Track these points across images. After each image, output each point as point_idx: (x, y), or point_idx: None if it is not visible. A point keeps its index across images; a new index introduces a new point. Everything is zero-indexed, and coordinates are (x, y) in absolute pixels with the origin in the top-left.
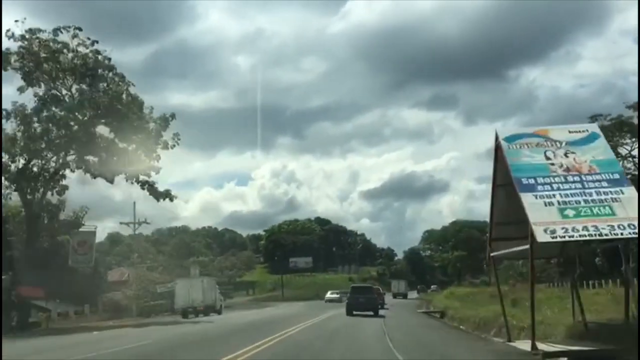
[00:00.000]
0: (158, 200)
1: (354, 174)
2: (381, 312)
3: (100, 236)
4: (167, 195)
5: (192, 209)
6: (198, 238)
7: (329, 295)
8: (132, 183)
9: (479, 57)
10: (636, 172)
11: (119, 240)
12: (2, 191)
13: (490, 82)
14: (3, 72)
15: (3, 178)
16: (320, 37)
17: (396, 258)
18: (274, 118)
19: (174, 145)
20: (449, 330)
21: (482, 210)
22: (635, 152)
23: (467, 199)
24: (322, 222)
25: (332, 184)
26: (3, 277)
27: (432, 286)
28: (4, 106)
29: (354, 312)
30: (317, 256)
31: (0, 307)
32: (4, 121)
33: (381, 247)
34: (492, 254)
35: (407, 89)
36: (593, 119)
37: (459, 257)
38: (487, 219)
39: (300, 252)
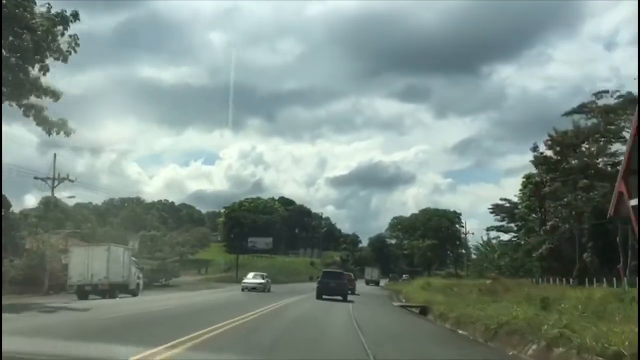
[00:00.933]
0: (49, 135)
1: (322, 160)
2: (351, 307)
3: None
4: (60, 127)
5: (155, 185)
6: (152, 211)
7: (248, 279)
8: (10, 105)
9: (454, 50)
10: None
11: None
12: None
13: (464, 77)
14: None
15: None
16: (296, 18)
17: (360, 245)
18: (245, 98)
19: (69, 53)
20: (453, 338)
21: (446, 204)
22: None
23: (432, 192)
24: (285, 202)
25: (300, 169)
26: None
27: (403, 275)
28: None
29: (324, 296)
30: (279, 238)
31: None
32: None
33: (346, 232)
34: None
35: (382, 78)
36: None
37: (430, 246)
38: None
39: (261, 232)
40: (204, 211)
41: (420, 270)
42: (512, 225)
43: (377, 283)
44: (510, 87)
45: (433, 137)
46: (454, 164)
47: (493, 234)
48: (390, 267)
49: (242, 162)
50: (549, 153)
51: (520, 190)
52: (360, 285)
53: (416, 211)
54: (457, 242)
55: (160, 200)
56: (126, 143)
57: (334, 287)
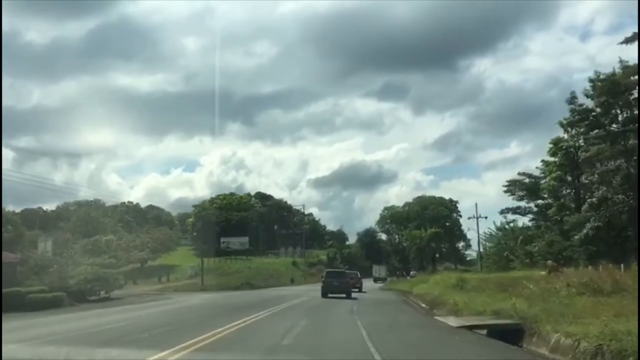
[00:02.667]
0: None
1: (304, 162)
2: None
3: None
4: None
5: (137, 195)
6: (114, 214)
7: None
8: None
9: (430, 45)
10: None
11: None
12: None
13: (441, 72)
14: None
15: None
16: (270, 18)
17: (347, 242)
18: (223, 103)
19: None
20: None
21: None
22: None
23: (415, 189)
24: (263, 197)
25: (281, 172)
26: None
27: (411, 272)
28: None
29: (329, 295)
30: (256, 237)
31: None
32: None
33: (331, 230)
34: None
35: (359, 77)
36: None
37: (434, 236)
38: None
39: (236, 231)
40: (174, 213)
41: (424, 266)
42: (532, 205)
43: (384, 280)
44: (487, 80)
45: (413, 134)
46: (435, 161)
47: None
48: (383, 264)
49: (223, 167)
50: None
51: (542, 162)
52: (367, 284)
53: (409, 200)
54: (457, 233)
55: (124, 202)
56: (104, 153)
57: (337, 286)
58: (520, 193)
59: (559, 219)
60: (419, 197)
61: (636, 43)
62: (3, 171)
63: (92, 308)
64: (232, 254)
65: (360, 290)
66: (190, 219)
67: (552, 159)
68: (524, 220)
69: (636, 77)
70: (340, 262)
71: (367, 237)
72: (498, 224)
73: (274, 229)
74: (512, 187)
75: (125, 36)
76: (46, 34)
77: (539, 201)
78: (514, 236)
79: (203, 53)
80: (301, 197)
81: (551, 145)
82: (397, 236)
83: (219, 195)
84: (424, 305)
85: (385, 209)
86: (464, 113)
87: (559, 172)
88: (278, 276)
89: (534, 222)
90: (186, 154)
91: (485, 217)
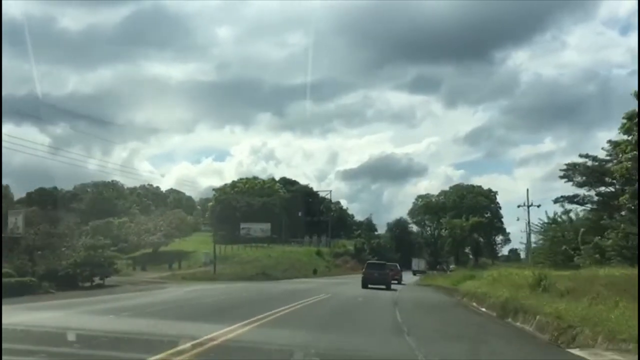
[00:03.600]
0: None
1: (334, 154)
2: None
3: None
4: None
5: (168, 183)
6: (131, 196)
7: None
8: None
9: (465, 36)
10: None
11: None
12: None
13: (475, 64)
14: None
15: None
16: (302, 8)
17: (376, 233)
18: (254, 94)
19: None
20: None
21: None
22: None
23: (445, 184)
24: (288, 182)
25: (311, 164)
26: None
27: (450, 266)
28: None
29: (369, 285)
30: (279, 223)
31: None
32: None
33: (359, 220)
34: None
35: (391, 69)
36: None
37: (476, 226)
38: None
39: (258, 217)
40: (197, 198)
41: (464, 260)
42: (594, 193)
43: (423, 272)
44: (522, 73)
45: (444, 128)
46: (466, 155)
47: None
48: (423, 258)
49: (253, 158)
50: None
51: (609, 143)
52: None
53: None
54: (498, 225)
55: (144, 185)
56: (137, 141)
57: (378, 277)
58: (579, 179)
59: (632, 207)
60: (456, 186)
61: None
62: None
63: (56, 298)
64: (253, 241)
65: (399, 282)
66: (210, 203)
67: (625, 137)
68: (578, 211)
69: None
70: (369, 253)
71: (398, 227)
72: (543, 217)
73: (298, 216)
74: (571, 171)
75: (157, 24)
76: (81, 20)
77: (602, 188)
78: (573, 228)
79: (235, 43)
80: (330, 189)
81: (625, 121)
82: (429, 228)
83: (241, 179)
84: (493, 313)
85: (419, 197)
86: (497, 107)
87: (634, 153)
88: (300, 266)
89: (591, 212)
90: (217, 143)
91: (538, 206)
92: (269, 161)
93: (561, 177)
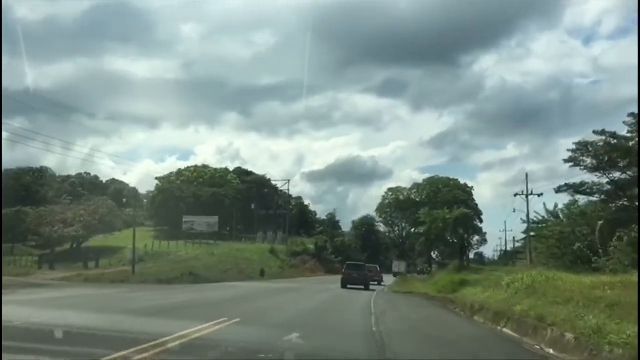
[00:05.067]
0: None
1: (301, 156)
2: None
3: None
4: None
5: (129, 181)
6: (64, 186)
7: None
8: None
9: (433, 39)
10: None
11: None
12: None
13: (442, 68)
14: None
15: None
16: (269, 5)
17: (341, 231)
18: (220, 93)
19: None
20: None
21: None
22: None
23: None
24: (242, 173)
25: (277, 165)
26: None
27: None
28: None
29: (348, 286)
30: (229, 217)
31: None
32: None
33: (322, 218)
34: None
35: (359, 72)
36: None
37: (461, 219)
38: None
39: (206, 209)
40: (143, 190)
41: (440, 262)
42: (604, 180)
43: (405, 275)
44: (488, 78)
45: (410, 131)
46: (431, 159)
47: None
48: (381, 258)
49: (218, 157)
50: None
51: (631, 116)
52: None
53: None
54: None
55: (80, 174)
56: (98, 139)
57: (357, 278)
58: (587, 161)
59: None
60: (430, 178)
61: None
62: None
63: None
64: (199, 236)
65: (379, 284)
66: (153, 193)
67: None
68: (580, 204)
69: None
70: (332, 252)
71: (364, 226)
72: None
73: (252, 210)
74: (581, 151)
75: (121, 18)
76: (39, 12)
77: (617, 174)
78: (586, 222)
79: (201, 40)
80: (295, 191)
81: None
82: (397, 228)
83: (188, 167)
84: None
85: (390, 190)
86: (463, 111)
87: None
88: (247, 266)
89: (602, 203)
90: (181, 142)
91: (540, 195)
92: (235, 161)
93: (566, 161)
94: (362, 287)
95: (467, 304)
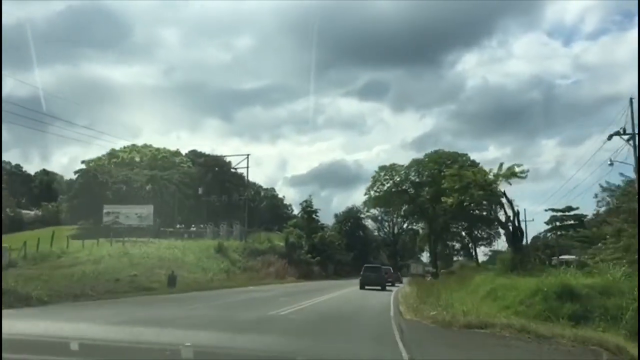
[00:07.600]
0: None
1: (284, 161)
2: None
3: None
4: None
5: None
6: None
7: None
8: None
9: (413, 38)
10: None
11: None
12: None
13: (423, 68)
14: None
15: None
16: (249, 9)
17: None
18: (201, 98)
19: None
20: None
21: None
22: None
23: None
24: (197, 155)
25: (260, 170)
26: None
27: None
28: None
29: (366, 287)
30: (166, 207)
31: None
32: None
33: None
34: None
35: (341, 75)
36: None
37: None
38: None
39: (143, 199)
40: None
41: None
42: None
43: (423, 276)
44: (469, 78)
45: (393, 134)
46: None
47: None
48: (370, 259)
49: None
50: None
51: None
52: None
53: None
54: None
55: (4, 164)
56: (79, 147)
57: (374, 279)
58: None
59: None
60: (433, 153)
61: None
62: None
63: None
64: (132, 232)
65: (393, 285)
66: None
67: None
68: None
69: None
70: (308, 251)
71: (350, 219)
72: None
73: (201, 199)
74: None
75: (97, 22)
76: (11, 14)
77: None
78: None
79: (181, 45)
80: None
81: None
82: (387, 223)
83: (124, 148)
84: None
85: (382, 167)
86: (444, 111)
87: None
88: (169, 272)
89: None
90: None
91: None
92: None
93: None
94: (379, 287)
95: None
